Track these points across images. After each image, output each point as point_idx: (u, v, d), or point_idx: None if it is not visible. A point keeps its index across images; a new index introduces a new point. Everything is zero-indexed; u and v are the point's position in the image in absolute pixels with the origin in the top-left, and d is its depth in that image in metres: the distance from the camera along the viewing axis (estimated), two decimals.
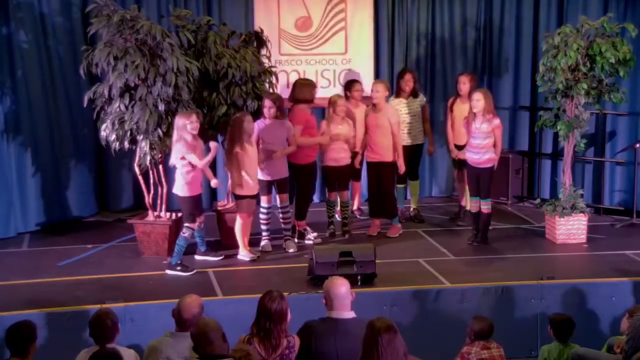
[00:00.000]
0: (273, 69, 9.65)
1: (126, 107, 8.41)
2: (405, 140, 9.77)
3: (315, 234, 9.23)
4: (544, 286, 7.70)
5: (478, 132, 8.81)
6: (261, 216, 8.90)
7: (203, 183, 8.68)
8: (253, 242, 8.82)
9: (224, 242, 9.01)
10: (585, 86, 8.93)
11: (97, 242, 9.27)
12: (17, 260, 8.76)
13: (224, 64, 8.84)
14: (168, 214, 8.88)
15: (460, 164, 9.70)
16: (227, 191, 9.35)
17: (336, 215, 9.61)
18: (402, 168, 9.33)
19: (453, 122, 9.99)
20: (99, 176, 10.62)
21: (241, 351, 4.78)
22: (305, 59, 11.11)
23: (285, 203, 8.92)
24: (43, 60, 9.76)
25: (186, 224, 8.26)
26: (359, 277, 7.55)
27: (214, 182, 8.57)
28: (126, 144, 8.54)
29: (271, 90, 9.32)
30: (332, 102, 9.24)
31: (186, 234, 8.23)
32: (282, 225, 8.99)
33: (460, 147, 9.62)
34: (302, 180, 9.18)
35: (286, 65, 11.01)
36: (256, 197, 8.73)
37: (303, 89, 9.26)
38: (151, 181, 8.84)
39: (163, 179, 8.81)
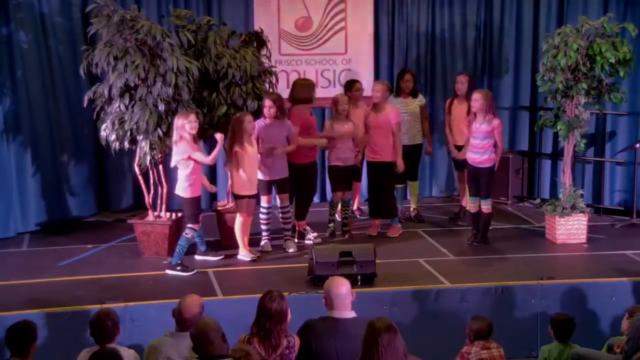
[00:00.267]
0: (273, 69, 9.65)
1: (126, 107, 8.41)
2: (403, 140, 9.77)
3: (315, 234, 9.23)
4: (544, 286, 7.70)
5: (478, 132, 8.82)
6: (261, 216, 8.89)
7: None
8: (253, 242, 8.81)
9: (224, 242, 9.01)
10: (585, 86, 8.93)
11: (97, 242, 9.27)
12: (17, 260, 8.76)
13: (224, 64, 8.84)
14: (168, 214, 8.88)
15: (461, 164, 9.70)
16: (227, 191, 9.34)
17: (336, 215, 9.61)
18: (400, 167, 9.32)
19: (451, 123, 10.00)
20: (99, 176, 10.62)
21: (241, 351, 4.77)
22: (305, 59, 11.11)
23: (285, 203, 8.92)
24: (43, 60, 9.76)
25: (189, 225, 8.26)
26: (359, 277, 7.55)
27: (210, 188, 8.61)
28: (126, 144, 8.53)
29: (271, 90, 9.32)
30: (334, 101, 9.25)
31: (189, 235, 8.23)
32: (282, 225, 8.99)
33: (460, 148, 9.63)
34: (302, 180, 9.18)
35: (286, 65, 11.01)
36: (256, 197, 8.73)
37: (302, 89, 9.26)
38: (151, 181, 8.84)
39: (163, 179, 8.81)
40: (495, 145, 8.83)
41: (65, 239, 9.47)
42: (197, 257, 8.61)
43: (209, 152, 8.69)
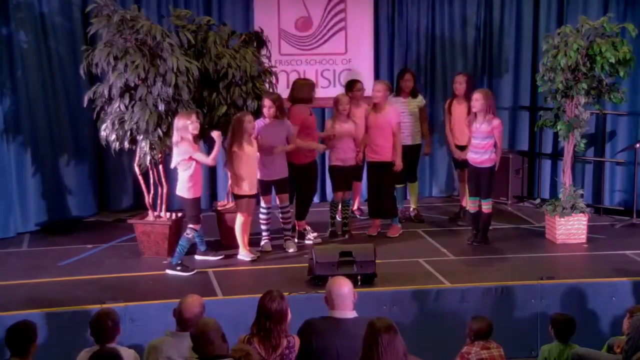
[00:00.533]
0: (273, 69, 9.65)
1: (126, 107, 8.41)
2: (403, 140, 9.77)
3: (315, 234, 9.23)
4: (544, 286, 7.70)
5: (478, 132, 8.82)
6: (261, 216, 8.89)
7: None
8: (253, 242, 8.81)
9: (224, 242, 9.01)
10: (585, 86, 8.93)
11: (97, 242, 9.27)
12: (17, 260, 8.76)
13: (224, 64, 8.84)
14: (168, 214, 8.88)
15: (461, 164, 9.71)
16: (227, 191, 9.34)
17: (337, 216, 9.61)
18: (399, 167, 9.32)
19: (452, 123, 10.00)
20: (99, 176, 10.62)
21: (241, 351, 4.77)
22: (305, 59, 11.11)
23: (285, 203, 8.91)
24: (43, 60, 9.76)
25: (190, 225, 8.26)
26: (359, 277, 7.54)
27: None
28: (126, 144, 8.53)
29: (271, 90, 9.32)
30: (335, 101, 9.26)
31: (190, 235, 8.23)
32: (282, 225, 8.99)
33: (461, 148, 9.64)
34: (302, 180, 9.17)
35: (286, 65, 11.01)
36: (256, 197, 8.73)
37: (302, 88, 9.26)
38: (151, 181, 8.84)
39: (163, 179, 8.80)
40: (495, 145, 8.83)
41: (65, 239, 9.47)
42: (197, 257, 8.61)
43: (208, 152, 8.68)
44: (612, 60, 8.75)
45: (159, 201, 8.83)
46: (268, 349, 5.11)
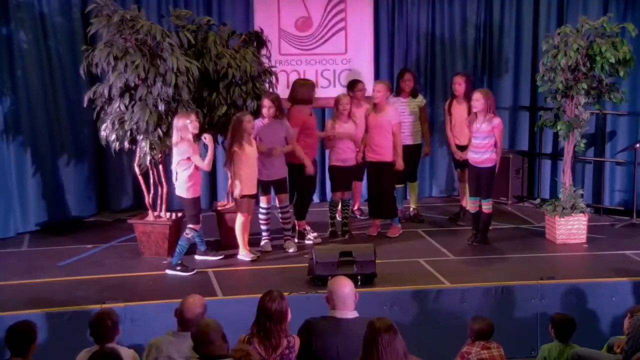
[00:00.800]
0: (273, 69, 9.65)
1: (126, 107, 8.41)
2: (403, 140, 9.78)
3: (315, 234, 9.23)
4: (544, 286, 7.70)
5: (479, 131, 8.82)
6: (260, 216, 8.90)
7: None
8: (253, 242, 8.81)
9: (223, 242, 9.01)
10: (585, 86, 8.93)
11: (97, 242, 9.27)
12: (17, 260, 8.75)
13: (224, 64, 8.83)
14: (168, 214, 8.88)
15: (461, 164, 9.71)
16: (227, 191, 9.34)
17: (337, 216, 9.61)
18: (400, 167, 9.32)
19: (452, 124, 10.00)
20: (99, 176, 10.62)
21: (241, 351, 4.78)
22: (305, 59, 11.11)
23: (284, 203, 8.91)
24: (43, 60, 9.76)
25: (190, 225, 8.26)
26: (359, 277, 7.53)
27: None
28: (126, 144, 8.53)
29: (271, 90, 9.32)
30: (336, 100, 9.27)
31: (189, 235, 8.23)
32: (282, 225, 8.99)
33: (461, 148, 9.64)
34: (301, 180, 9.17)
35: (286, 65, 11.01)
36: (256, 197, 8.73)
37: (301, 89, 9.25)
38: (151, 181, 8.84)
39: (163, 179, 8.80)
40: (495, 145, 8.83)
41: (65, 239, 9.47)
42: (197, 257, 8.61)
43: (206, 152, 8.65)
44: (612, 60, 8.76)
45: (159, 201, 8.83)
46: (268, 349, 5.11)
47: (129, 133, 8.43)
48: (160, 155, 8.67)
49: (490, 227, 9.20)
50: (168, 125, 8.36)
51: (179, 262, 8.17)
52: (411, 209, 10.35)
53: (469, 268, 8.35)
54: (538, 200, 10.21)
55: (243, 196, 8.47)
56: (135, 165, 8.76)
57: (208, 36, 8.99)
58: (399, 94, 10.09)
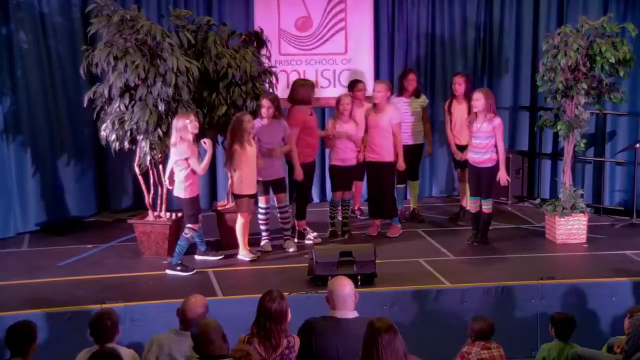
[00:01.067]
0: (273, 69, 9.65)
1: (126, 107, 8.41)
2: (405, 139, 9.78)
3: (315, 234, 9.23)
4: (544, 286, 7.70)
5: (479, 132, 8.81)
6: (260, 217, 8.89)
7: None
8: (253, 242, 8.81)
9: (223, 242, 9.01)
10: (585, 86, 8.93)
11: (97, 242, 9.27)
12: (17, 260, 8.75)
13: (224, 64, 8.83)
14: (168, 214, 8.88)
15: (461, 164, 9.71)
16: (227, 191, 9.34)
17: (337, 215, 9.60)
18: (401, 166, 9.33)
19: (452, 124, 10.00)
20: (99, 176, 10.61)
21: (241, 351, 4.78)
22: (305, 59, 11.11)
23: (283, 203, 8.91)
24: (43, 60, 9.76)
25: (188, 225, 8.26)
26: (359, 277, 7.53)
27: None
28: (126, 144, 8.53)
29: (271, 90, 9.32)
30: (337, 100, 9.27)
31: (188, 235, 8.23)
32: (281, 225, 8.98)
33: (461, 148, 9.63)
34: (297, 180, 9.16)
35: (286, 65, 11.00)
36: (255, 197, 8.73)
37: (301, 89, 9.24)
38: (151, 181, 8.84)
39: (163, 179, 8.80)
40: (496, 145, 8.81)
41: (65, 239, 9.47)
42: (197, 257, 8.61)
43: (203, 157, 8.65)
44: (612, 60, 8.76)
45: (159, 201, 8.83)
46: (268, 349, 5.11)
47: (129, 133, 8.43)
48: (160, 155, 8.67)
49: (490, 227, 9.20)
50: (168, 125, 8.36)
51: (179, 262, 8.17)
52: (411, 209, 10.33)
53: (469, 268, 8.35)
54: (538, 200, 10.21)
55: (243, 196, 8.47)
56: (135, 165, 8.76)
57: (208, 36, 8.99)
58: (402, 94, 10.08)
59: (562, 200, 9.21)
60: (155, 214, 8.83)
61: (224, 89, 8.91)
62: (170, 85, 8.24)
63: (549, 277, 7.82)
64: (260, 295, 5.30)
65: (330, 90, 10.89)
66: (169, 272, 8.15)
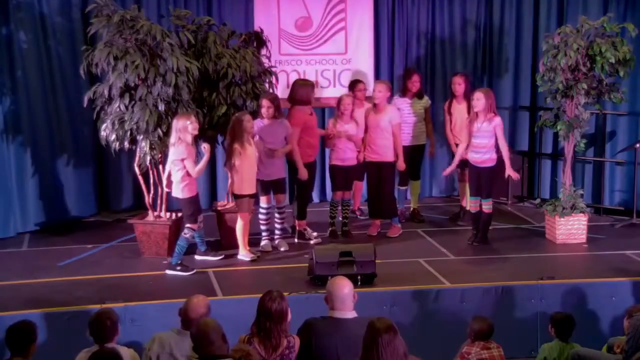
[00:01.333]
0: (273, 69, 9.65)
1: (126, 107, 8.41)
2: (407, 140, 9.78)
3: (315, 234, 9.23)
4: (544, 286, 7.70)
5: (479, 131, 8.81)
6: (260, 217, 8.90)
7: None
8: (253, 242, 8.81)
9: (223, 242, 9.00)
10: (585, 86, 8.93)
11: (97, 242, 9.27)
12: (17, 260, 8.75)
13: (224, 64, 8.83)
14: (168, 214, 8.88)
15: (462, 164, 9.70)
16: (227, 191, 9.34)
17: (337, 215, 9.60)
18: (401, 166, 9.32)
19: (452, 123, 10.00)
20: (99, 176, 10.62)
21: (241, 351, 4.78)
22: (305, 59, 11.11)
23: (282, 203, 8.92)
24: (43, 60, 9.75)
25: (188, 225, 8.26)
26: (359, 277, 7.54)
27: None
28: (126, 144, 8.53)
29: (271, 90, 9.32)
30: (337, 100, 9.28)
31: (187, 235, 8.23)
32: (277, 225, 8.98)
33: None
34: (301, 180, 9.16)
35: (286, 65, 11.01)
36: (255, 196, 8.73)
37: (301, 89, 9.24)
38: (151, 181, 8.84)
39: (163, 179, 8.80)
40: (497, 144, 8.81)
41: (65, 239, 9.47)
42: (197, 257, 8.60)
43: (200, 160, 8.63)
44: (612, 60, 8.76)
45: (159, 201, 8.83)
46: (268, 349, 5.11)
47: (129, 133, 8.43)
48: (160, 155, 8.67)
49: (490, 227, 9.20)
50: (168, 125, 8.35)
51: (179, 262, 8.17)
52: (411, 209, 10.33)
53: (469, 268, 8.35)
54: (538, 200, 10.21)
55: (243, 196, 8.47)
56: (135, 165, 8.76)
57: (208, 36, 8.99)
58: (405, 94, 10.08)
59: (562, 200, 9.21)
60: (155, 214, 8.83)
61: (224, 89, 8.91)
62: (170, 85, 8.24)
63: (549, 277, 7.82)
64: (260, 295, 5.29)
65: (330, 90, 10.89)
66: (168, 272, 8.14)
